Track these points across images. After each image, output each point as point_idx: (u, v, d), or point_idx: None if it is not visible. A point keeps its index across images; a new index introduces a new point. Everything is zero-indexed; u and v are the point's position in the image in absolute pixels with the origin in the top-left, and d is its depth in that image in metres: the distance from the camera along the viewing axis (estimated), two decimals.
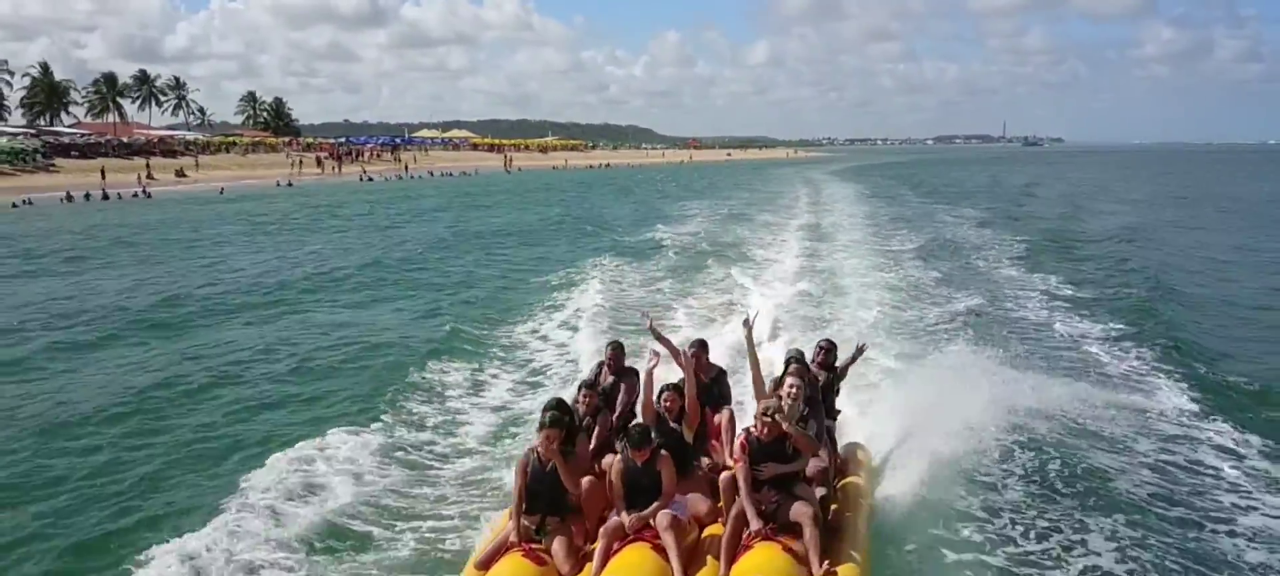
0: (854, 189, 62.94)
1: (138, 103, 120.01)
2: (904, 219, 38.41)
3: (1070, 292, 19.62)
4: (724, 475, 6.51)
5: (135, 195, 57.94)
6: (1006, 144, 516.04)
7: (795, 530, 6.13)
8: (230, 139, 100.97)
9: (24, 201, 50.18)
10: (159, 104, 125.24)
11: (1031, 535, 7.92)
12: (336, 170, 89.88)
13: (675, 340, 8.50)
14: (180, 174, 75.20)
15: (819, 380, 7.86)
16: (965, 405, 9.23)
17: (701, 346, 7.78)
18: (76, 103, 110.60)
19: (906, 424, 8.88)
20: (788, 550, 6.02)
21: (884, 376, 11.86)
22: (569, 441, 6.65)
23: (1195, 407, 11.41)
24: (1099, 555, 7.61)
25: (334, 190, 65.35)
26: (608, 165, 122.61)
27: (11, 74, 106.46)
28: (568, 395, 7.99)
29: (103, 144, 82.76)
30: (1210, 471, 9.47)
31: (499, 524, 6.93)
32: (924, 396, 9.59)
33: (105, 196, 56.16)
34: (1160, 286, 19.86)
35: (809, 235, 31.51)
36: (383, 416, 11.04)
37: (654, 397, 7.14)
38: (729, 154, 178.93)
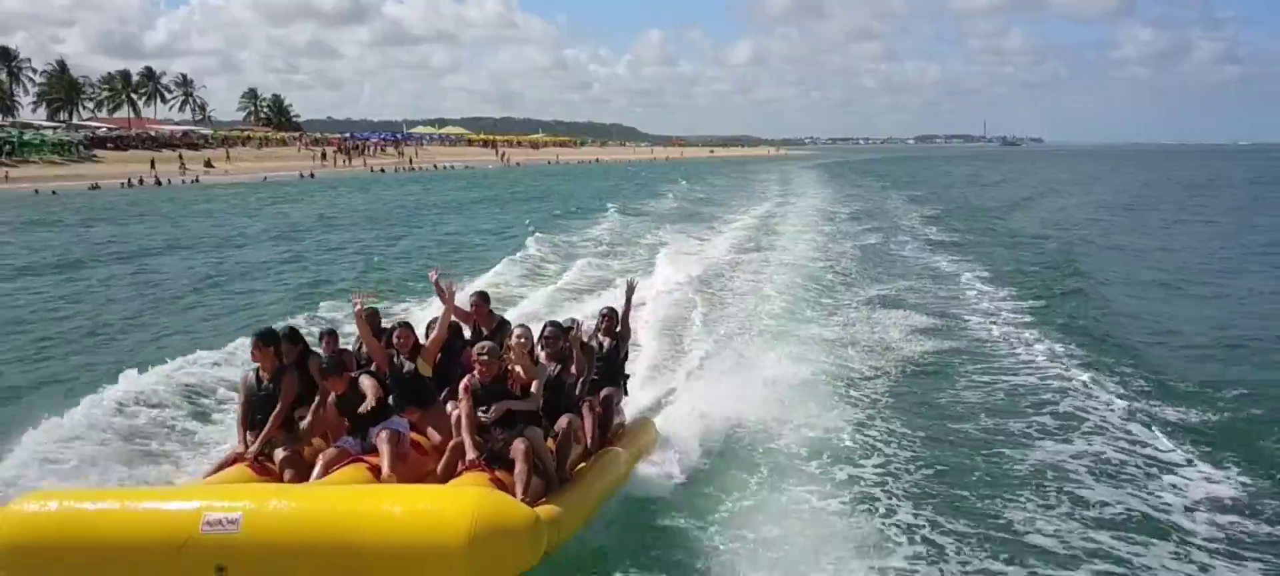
0: (816, 175, 71.81)
1: (143, 98, 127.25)
2: (856, 209, 43.89)
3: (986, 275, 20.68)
4: (454, 413, 7.04)
5: (185, 182, 65.72)
6: (986, 143, 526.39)
7: (509, 465, 6.54)
8: (246, 134, 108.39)
9: (92, 187, 57.91)
10: (164, 100, 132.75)
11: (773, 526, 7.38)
12: (346, 163, 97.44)
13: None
14: (208, 165, 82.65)
15: (602, 346, 8.41)
16: (767, 391, 10.24)
17: (483, 298, 8.64)
18: (92, 98, 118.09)
19: (713, 409, 9.50)
20: (495, 481, 6.40)
21: (717, 366, 12.07)
22: (299, 366, 7.26)
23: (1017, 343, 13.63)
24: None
25: (367, 182, 73.22)
26: (598, 160, 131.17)
27: (36, 71, 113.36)
28: None
29: (132, 138, 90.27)
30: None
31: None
32: (737, 383, 10.54)
33: (159, 183, 63.96)
34: (1059, 264, 21.83)
35: (760, 223, 34.58)
36: None
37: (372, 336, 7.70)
38: (712, 151, 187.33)
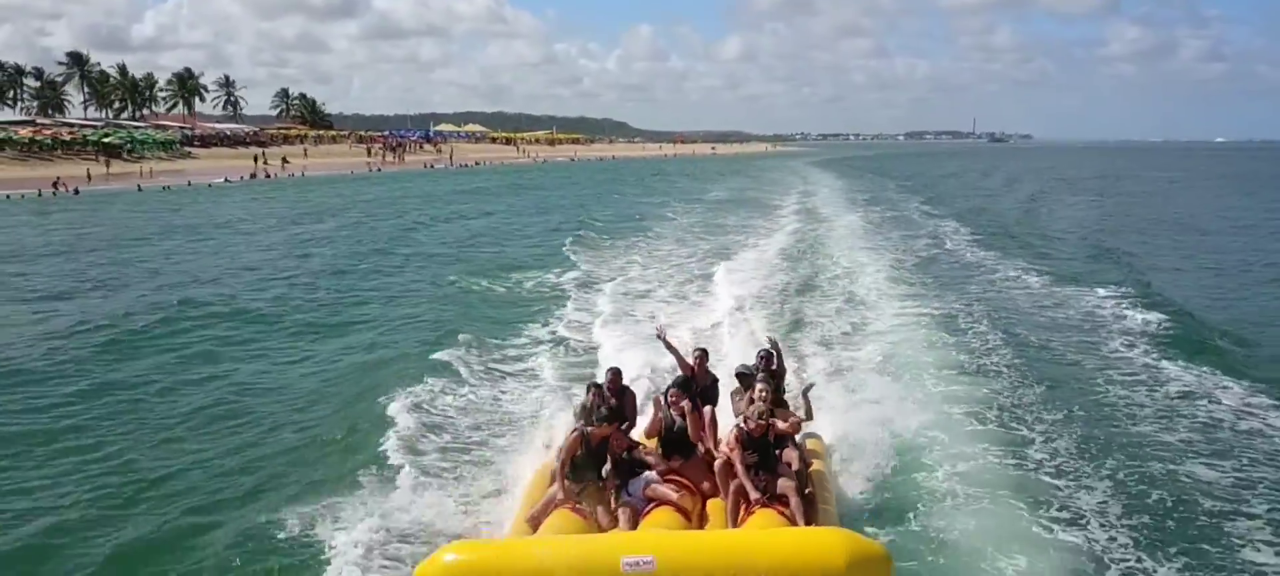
0: (832, 177, 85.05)
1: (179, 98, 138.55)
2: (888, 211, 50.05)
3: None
4: (719, 461, 8.18)
5: (289, 177, 78.11)
6: (976, 140, 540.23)
7: (783, 500, 7.79)
8: (302, 132, 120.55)
9: (226, 181, 70.28)
10: (201, 99, 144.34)
11: (970, 502, 9.51)
12: (397, 160, 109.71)
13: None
14: (284, 162, 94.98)
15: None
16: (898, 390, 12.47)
17: (703, 354, 9.96)
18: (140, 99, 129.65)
19: (855, 415, 11.54)
20: (781, 513, 7.67)
21: (829, 374, 14.03)
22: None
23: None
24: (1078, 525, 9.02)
25: (439, 174, 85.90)
26: (613, 157, 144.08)
27: (106, 74, 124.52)
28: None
29: (215, 136, 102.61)
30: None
31: (531, 487, 8.75)
32: (865, 388, 12.81)
33: (268, 176, 76.35)
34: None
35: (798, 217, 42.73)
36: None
37: (660, 405, 9.02)
38: (713, 148, 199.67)
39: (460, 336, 16.24)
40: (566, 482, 7.91)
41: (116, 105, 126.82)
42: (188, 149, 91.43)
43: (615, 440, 8.23)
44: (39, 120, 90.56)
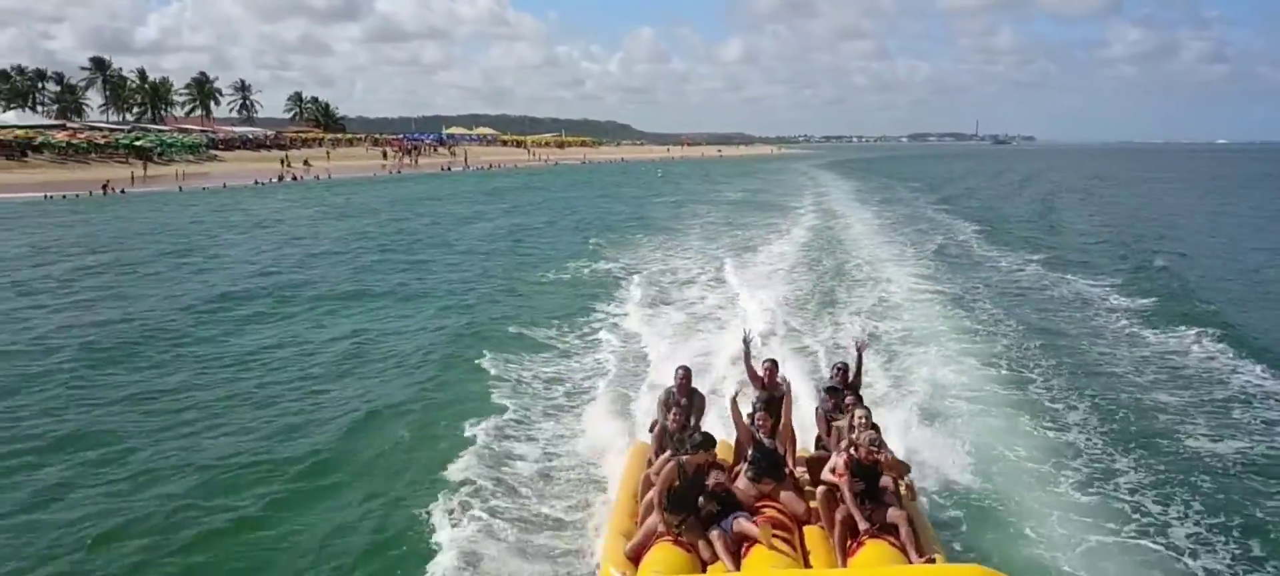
0: (847, 183, 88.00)
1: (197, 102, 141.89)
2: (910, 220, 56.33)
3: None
4: (821, 488, 7.93)
5: (316, 179, 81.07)
6: (979, 142, 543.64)
7: (892, 530, 7.46)
8: (320, 136, 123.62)
9: (257, 182, 73.21)
10: (216, 102, 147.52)
11: (1064, 507, 9.67)
12: (413, 162, 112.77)
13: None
14: (306, 164, 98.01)
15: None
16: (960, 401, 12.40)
17: (774, 366, 9.59)
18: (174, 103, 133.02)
19: (924, 429, 11.29)
20: (892, 544, 7.34)
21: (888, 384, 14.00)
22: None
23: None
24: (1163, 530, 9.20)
25: (458, 176, 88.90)
26: (623, 159, 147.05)
27: (124, 78, 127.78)
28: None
29: (236, 139, 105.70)
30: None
31: (615, 520, 8.36)
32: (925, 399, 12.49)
33: (295, 178, 79.29)
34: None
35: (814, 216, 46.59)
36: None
37: (742, 416, 8.65)
38: (720, 151, 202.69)
39: (511, 330, 17.95)
40: (666, 516, 7.67)
41: (136, 109, 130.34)
42: (213, 152, 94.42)
43: (712, 470, 7.99)
44: (67, 123, 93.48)
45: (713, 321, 19.01)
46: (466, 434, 11.80)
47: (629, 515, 8.34)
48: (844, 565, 7.38)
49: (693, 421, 8.94)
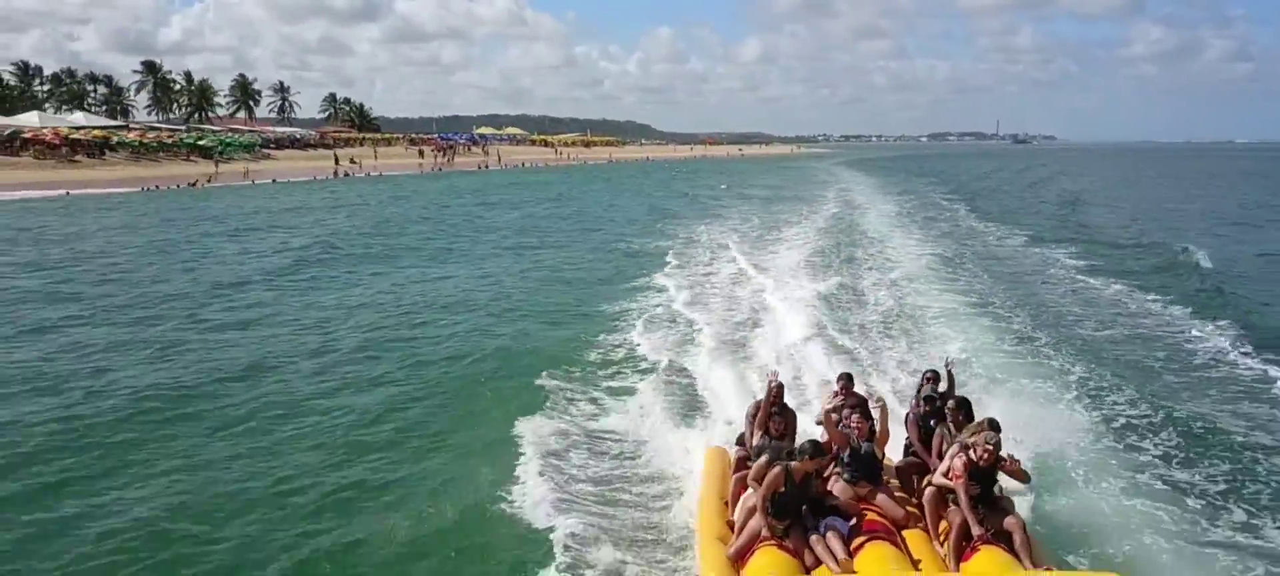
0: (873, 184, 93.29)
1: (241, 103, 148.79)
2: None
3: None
4: (930, 489, 7.93)
5: (365, 174, 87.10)
6: (999, 141, 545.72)
7: (1005, 537, 7.31)
8: (359, 136, 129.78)
9: (314, 177, 79.26)
10: (254, 104, 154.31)
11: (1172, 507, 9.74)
12: (449, 161, 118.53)
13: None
14: (352, 161, 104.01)
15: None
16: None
17: (849, 378, 9.91)
18: (217, 105, 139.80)
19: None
20: (1008, 551, 7.20)
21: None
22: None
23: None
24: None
25: (494, 174, 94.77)
26: (648, 158, 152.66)
27: (171, 81, 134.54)
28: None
29: (284, 139, 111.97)
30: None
31: (706, 525, 8.35)
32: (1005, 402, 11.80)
33: (348, 174, 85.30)
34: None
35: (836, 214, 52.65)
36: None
37: (834, 424, 8.60)
38: (741, 150, 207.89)
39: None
40: (770, 520, 7.68)
41: (183, 110, 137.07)
42: (265, 151, 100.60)
43: (819, 477, 8.05)
44: (129, 125, 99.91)
45: (761, 327, 18.72)
46: (531, 424, 12.24)
47: (719, 518, 8.42)
48: (956, 570, 7.27)
49: (790, 430, 9.03)
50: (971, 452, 7.67)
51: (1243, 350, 16.28)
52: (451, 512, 9.77)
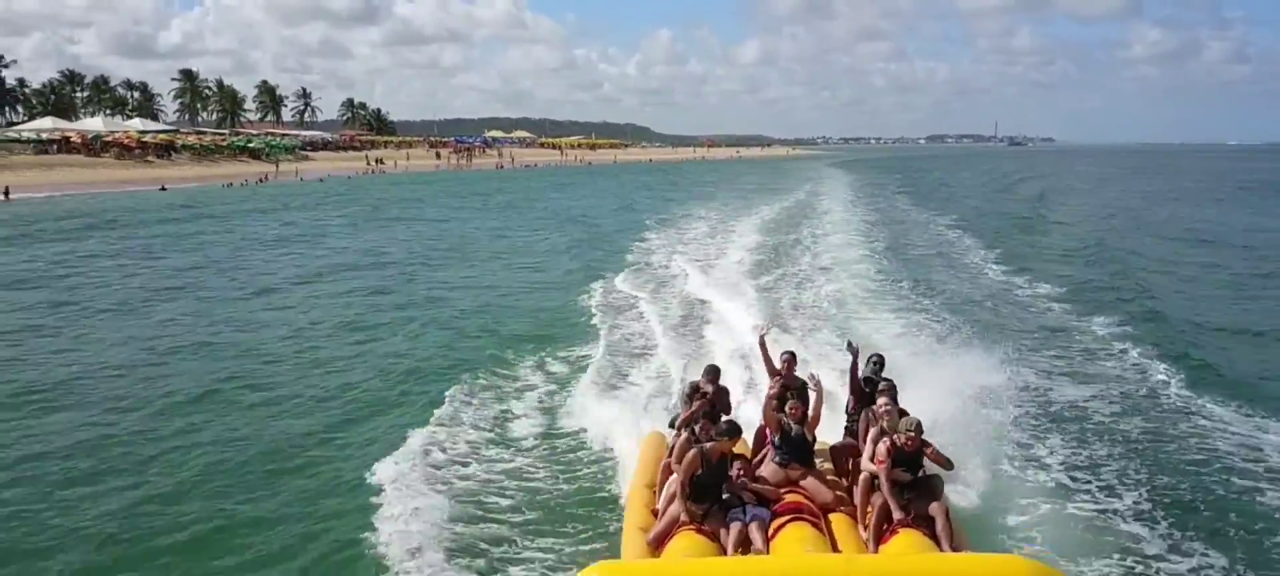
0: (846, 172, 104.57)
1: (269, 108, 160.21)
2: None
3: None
4: (863, 474, 8.06)
5: (397, 172, 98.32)
6: (997, 143, 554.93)
7: (927, 521, 7.46)
8: (385, 140, 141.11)
9: (354, 175, 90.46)
10: (284, 107, 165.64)
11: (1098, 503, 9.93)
12: (467, 162, 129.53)
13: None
14: (380, 162, 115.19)
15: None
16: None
17: (793, 357, 9.82)
18: (243, 110, 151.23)
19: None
20: (926, 535, 7.37)
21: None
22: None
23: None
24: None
25: (508, 173, 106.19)
26: (651, 160, 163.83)
27: (203, 87, 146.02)
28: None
29: (318, 142, 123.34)
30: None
31: (633, 510, 8.46)
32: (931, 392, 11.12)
33: (382, 172, 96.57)
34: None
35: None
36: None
37: (773, 408, 8.73)
38: (738, 153, 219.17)
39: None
40: (689, 504, 7.71)
41: (215, 115, 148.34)
42: (303, 152, 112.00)
43: (737, 459, 8.09)
44: (180, 130, 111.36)
45: (717, 314, 19.76)
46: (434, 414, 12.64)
47: (647, 505, 8.51)
48: (874, 552, 7.42)
49: (713, 412, 9.02)
50: (895, 437, 7.80)
51: (1137, 343, 16.83)
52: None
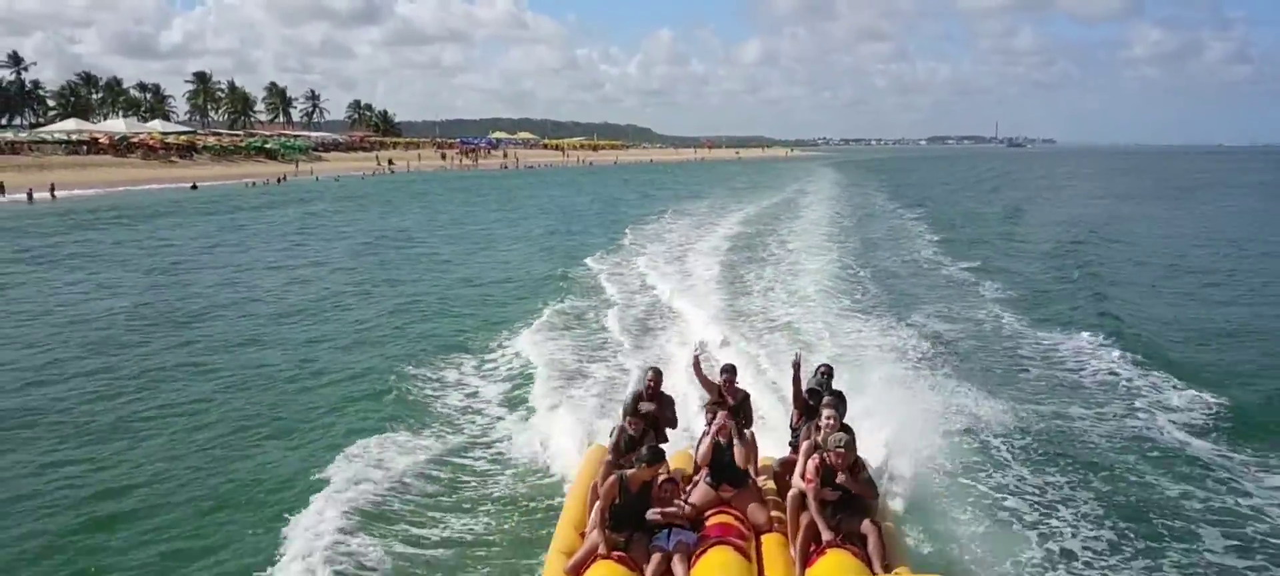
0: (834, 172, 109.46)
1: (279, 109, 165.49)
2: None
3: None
4: (792, 493, 7.71)
5: (406, 172, 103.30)
6: (997, 144, 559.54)
7: (858, 540, 7.24)
8: (393, 141, 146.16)
9: (370, 174, 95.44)
10: (293, 108, 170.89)
11: (1031, 523, 9.53)
12: (473, 163, 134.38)
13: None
14: (391, 163, 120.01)
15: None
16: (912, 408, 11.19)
17: (732, 372, 9.33)
18: (256, 111, 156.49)
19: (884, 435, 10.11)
20: (856, 555, 7.14)
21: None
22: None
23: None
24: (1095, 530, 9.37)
25: (514, 175, 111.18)
26: (651, 160, 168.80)
27: (219, 87, 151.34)
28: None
29: (329, 143, 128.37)
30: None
31: (561, 534, 8.05)
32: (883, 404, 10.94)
33: (392, 172, 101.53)
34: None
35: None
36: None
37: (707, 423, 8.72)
38: (738, 153, 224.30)
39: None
40: (608, 533, 7.41)
41: (225, 115, 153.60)
42: (316, 153, 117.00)
43: (657, 487, 7.70)
44: (196, 131, 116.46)
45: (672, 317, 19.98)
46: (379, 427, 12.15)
47: (576, 527, 8.11)
48: (801, 574, 7.24)
49: (656, 427, 8.84)
50: (825, 455, 7.57)
51: (1106, 355, 16.34)
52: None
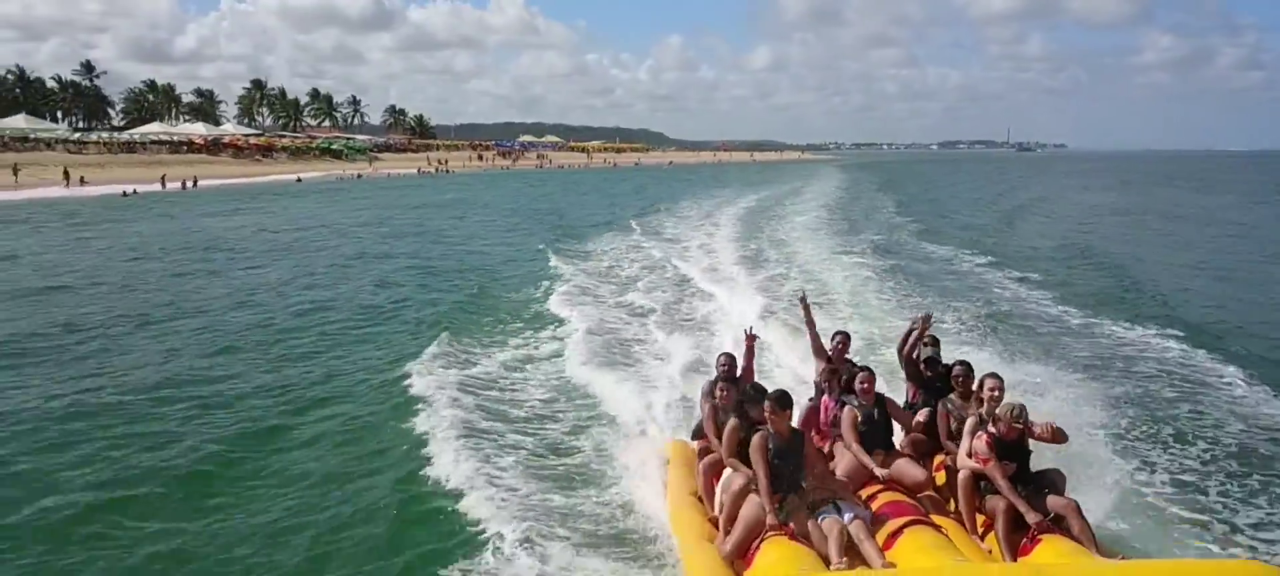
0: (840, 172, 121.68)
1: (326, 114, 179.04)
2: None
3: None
4: (963, 475, 6.96)
5: (450, 173, 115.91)
6: (1007, 149, 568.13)
7: (1058, 521, 6.47)
8: (437, 143, 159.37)
9: (419, 172, 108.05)
10: (328, 116, 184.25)
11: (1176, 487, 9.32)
12: (512, 163, 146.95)
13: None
14: (444, 163, 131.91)
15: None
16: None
17: (845, 338, 8.84)
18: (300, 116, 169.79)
19: None
20: (1072, 538, 6.31)
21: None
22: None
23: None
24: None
25: (548, 174, 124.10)
26: (670, 162, 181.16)
27: (272, 93, 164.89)
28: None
29: (384, 145, 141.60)
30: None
31: (687, 526, 7.46)
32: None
33: (447, 171, 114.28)
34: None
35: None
36: None
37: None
38: (753, 156, 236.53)
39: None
40: (775, 499, 6.57)
41: (270, 119, 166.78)
42: (373, 154, 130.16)
43: (810, 434, 7.01)
44: (261, 133, 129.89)
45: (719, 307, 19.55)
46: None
47: (699, 515, 7.68)
48: (1013, 562, 6.36)
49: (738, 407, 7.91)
50: (992, 426, 6.89)
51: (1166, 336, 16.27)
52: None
